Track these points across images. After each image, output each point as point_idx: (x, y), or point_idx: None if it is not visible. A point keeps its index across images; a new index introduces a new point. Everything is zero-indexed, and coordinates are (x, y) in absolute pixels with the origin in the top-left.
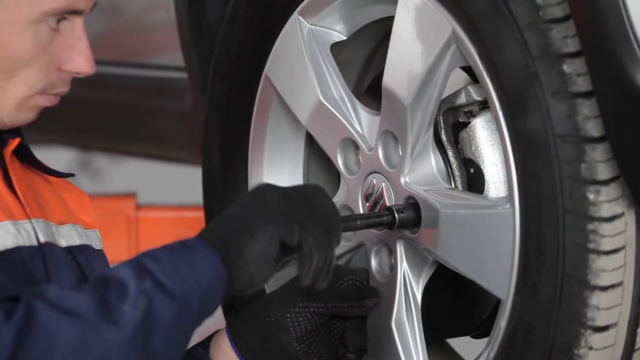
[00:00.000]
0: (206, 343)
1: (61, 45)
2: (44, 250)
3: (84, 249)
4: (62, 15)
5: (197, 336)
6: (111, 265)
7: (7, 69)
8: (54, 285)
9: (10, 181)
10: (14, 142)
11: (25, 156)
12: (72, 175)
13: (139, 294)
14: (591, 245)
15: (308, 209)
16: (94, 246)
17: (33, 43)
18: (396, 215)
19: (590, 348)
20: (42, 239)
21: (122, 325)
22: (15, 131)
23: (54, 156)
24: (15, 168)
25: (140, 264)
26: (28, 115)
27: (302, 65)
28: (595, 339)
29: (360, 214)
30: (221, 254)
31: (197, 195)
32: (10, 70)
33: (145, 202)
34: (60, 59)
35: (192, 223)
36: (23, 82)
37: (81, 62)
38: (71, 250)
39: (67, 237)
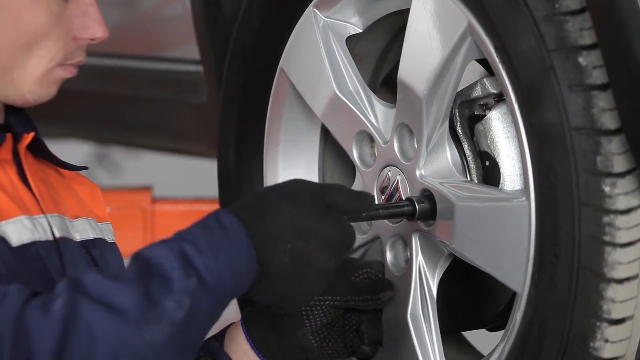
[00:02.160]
0: (221, 336)
1: (74, 13)
2: (60, 245)
3: (98, 242)
4: None
5: (213, 328)
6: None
7: (26, 43)
8: (93, 271)
9: (25, 176)
10: (28, 137)
11: (39, 150)
12: (85, 168)
13: (184, 294)
14: (607, 238)
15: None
16: (107, 239)
17: (48, 13)
18: (417, 206)
19: (606, 341)
20: (57, 234)
21: (164, 324)
22: (29, 126)
23: (71, 150)
24: (29, 162)
25: (184, 254)
26: (50, 90)
27: (318, 58)
28: (611, 331)
29: (382, 204)
30: (256, 249)
31: (212, 188)
32: (30, 44)
33: (161, 195)
34: (75, 27)
35: None
36: (43, 55)
37: (95, 28)
38: (85, 244)
39: (81, 231)
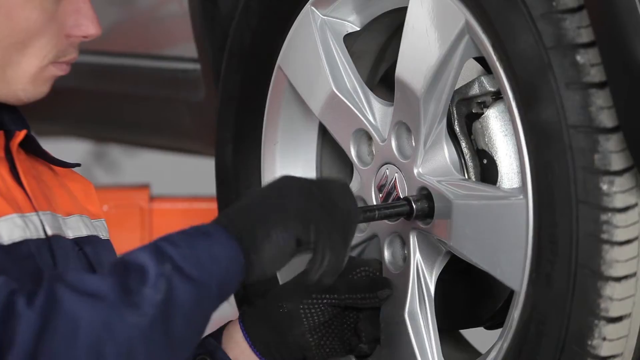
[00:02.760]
0: (218, 334)
1: (67, 10)
2: (52, 243)
3: (91, 239)
4: None
5: (210, 326)
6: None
7: (19, 41)
8: (72, 270)
9: (17, 174)
10: (21, 134)
11: (31, 148)
12: (78, 165)
13: (159, 278)
14: (604, 236)
15: (327, 207)
16: (101, 236)
17: (40, 11)
18: (414, 205)
19: (604, 339)
20: (49, 232)
21: (144, 308)
22: (21, 123)
23: (68, 148)
24: (21, 160)
25: (158, 248)
26: (43, 88)
27: (315, 57)
28: (608, 329)
29: (378, 205)
30: (239, 243)
31: (210, 186)
32: (23, 41)
33: (159, 193)
34: (68, 24)
35: (205, 214)
36: (36, 53)
37: (88, 25)
38: (78, 241)
39: (74, 228)
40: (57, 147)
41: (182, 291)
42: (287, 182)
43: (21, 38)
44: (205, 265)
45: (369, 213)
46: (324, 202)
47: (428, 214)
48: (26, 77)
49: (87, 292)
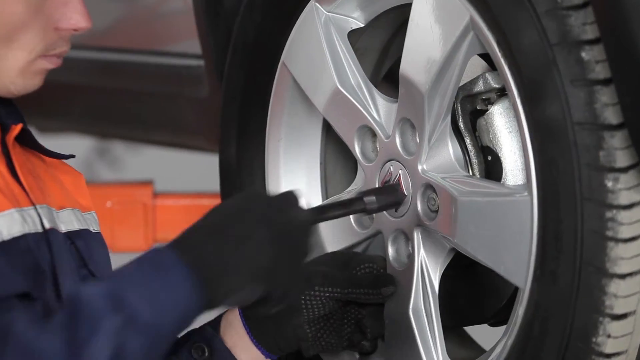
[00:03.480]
0: (216, 321)
1: (54, 4)
2: (49, 236)
3: (83, 233)
4: None
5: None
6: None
7: (5, 35)
8: (23, 317)
9: (14, 168)
10: (17, 128)
11: (26, 141)
12: (72, 156)
13: (110, 334)
14: (609, 233)
15: (284, 255)
16: (92, 229)
17: (25, 5)
18: (364, 199)
19: (609, 336)
20: (47, 225)
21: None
22: (16, 117)
23: (72, 144)
24: (17, 153)
25: (116, 294)
26: (33, 81)
27: (320, 53)
28: (613, 326)
29: (332, 204)
30: (201, 288)
31: (214, 183)
32: (9, 35)
33: (162, 189)
34: (56, 17)
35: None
36: (23, 47)
37: (77, 18)
38: (70, 235)
39: (67, 222)
40: (60, 143)
41: (135, 343)
42: (249, 219)
43: (7, 32)
44: (163, 311)
45: (329, 213)
46: (282, 246)
47: (393, 205)
48: (14, 70)
49: (36, 351)
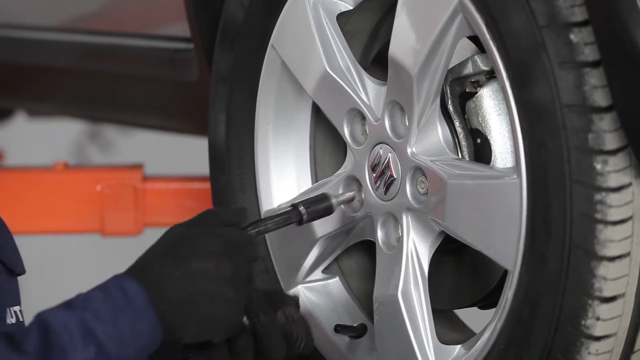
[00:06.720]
0: None
1: None
2: None
3: None
4: None
5: None
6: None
7: None
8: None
9: None
10: None
11: None
12: None
13: None
14: (598, 216)
15: (239, 296)
16: None
17: None
18: (300, 209)
19: (598, 319)
20: None
21: None
22: None
23: (63, 127)
24: None
25: (86, 325)
26: None
27: (309, 36)
28: (602, 309)
29: (269, 217)
30: (162, 323)
31: (203, 166)
32: None
33: (152, 173)
34: None
35: (198, 194)
36: None
37: None
38: None
39: None
40: (53, 126)
41: None
42: (203, 265)
43: None
44: (127, 343)
45: (261, 227)
46: (237, 284)
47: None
48: None
49: None
